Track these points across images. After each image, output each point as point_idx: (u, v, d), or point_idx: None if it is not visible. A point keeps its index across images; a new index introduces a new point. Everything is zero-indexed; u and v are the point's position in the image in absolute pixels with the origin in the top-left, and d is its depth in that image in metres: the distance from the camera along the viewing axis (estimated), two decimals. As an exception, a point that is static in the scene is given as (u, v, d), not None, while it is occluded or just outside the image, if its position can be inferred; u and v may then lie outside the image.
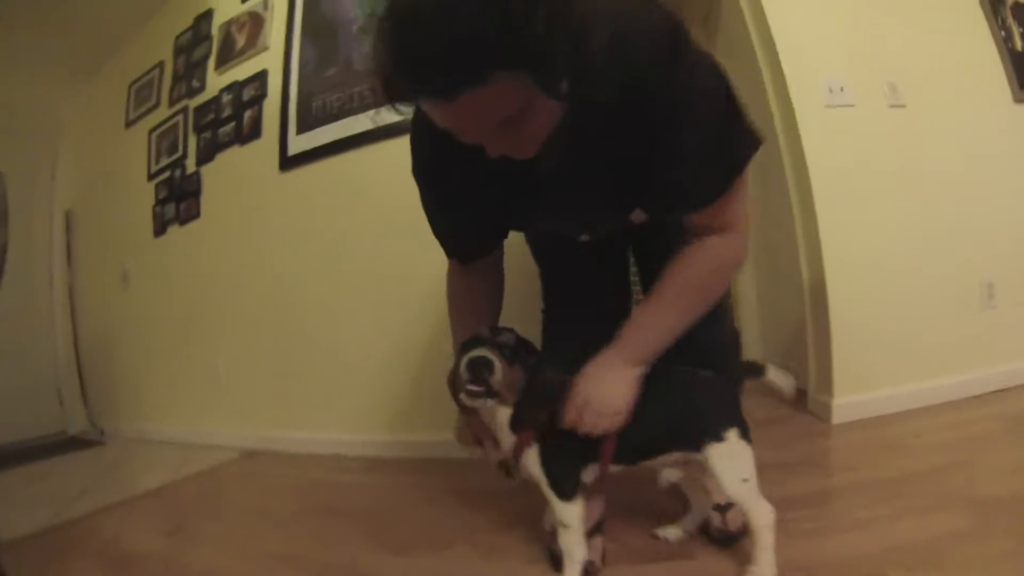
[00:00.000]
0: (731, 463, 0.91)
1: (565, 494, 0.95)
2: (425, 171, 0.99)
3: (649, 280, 1.23)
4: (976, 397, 1.80)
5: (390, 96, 0.69)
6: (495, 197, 0.95)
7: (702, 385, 0.98)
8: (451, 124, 0.70)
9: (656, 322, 0.94)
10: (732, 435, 0.91)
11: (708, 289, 0.94)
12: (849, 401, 1.78)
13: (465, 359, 0.91)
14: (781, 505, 0.99)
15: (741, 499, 0.91)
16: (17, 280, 3.32)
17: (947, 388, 1.82)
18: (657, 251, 1.16)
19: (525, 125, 0.71)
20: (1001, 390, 1.83)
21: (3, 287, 3.22)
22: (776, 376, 1.00)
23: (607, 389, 0.91)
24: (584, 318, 1.22)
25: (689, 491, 1.11)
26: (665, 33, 0.77)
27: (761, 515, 0.90)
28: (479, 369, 0.89)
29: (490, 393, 0.90)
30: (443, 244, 1.10)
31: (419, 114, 0.86)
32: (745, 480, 0.91)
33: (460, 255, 1.11)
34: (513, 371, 0.92)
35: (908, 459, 1.39)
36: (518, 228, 1.17)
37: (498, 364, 0.89)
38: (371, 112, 2.14)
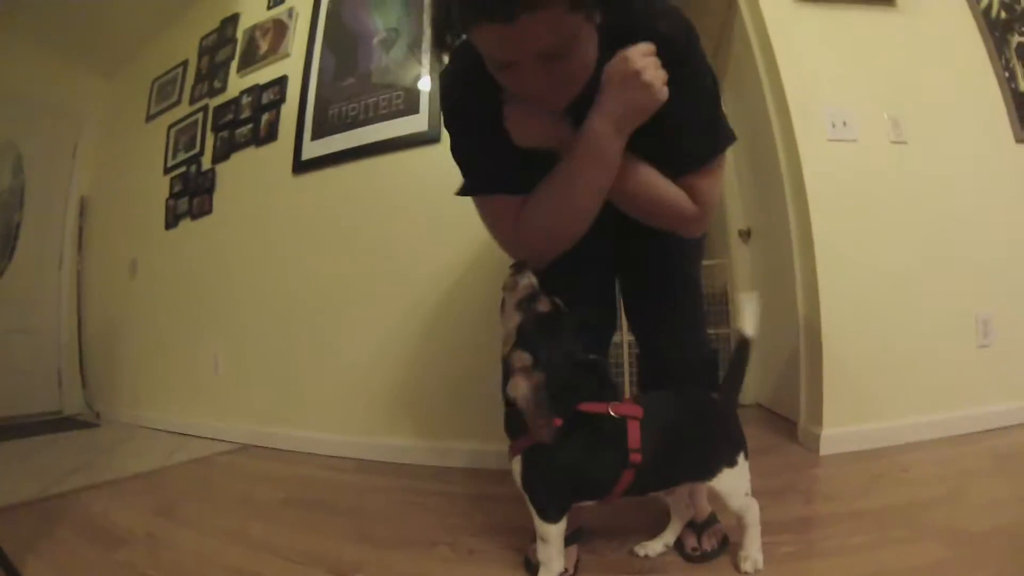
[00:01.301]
0: (738, 483, 0.99)
1: (550, 517, 0.94)
2: (455, 112, 1.01)
3: (632, 291, 1.25)
4: (966, 435, 1.80)
5: (449, 24, 0.77)
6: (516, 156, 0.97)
7: (717, 414, 1.02)
8: (505, 50, 0.75)
9: (635, 160, 0.95)
10: (740, 458, 0.99)
11: (658, 208, 0.99)
12: (838, 432, 1.79)
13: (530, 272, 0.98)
14: (762, 529, 1.01)
15: (743, 510, 0.99)
16: (28, 260, 3.43)
17: (938, 424, 1.82)
18: (646, 286, 1.20)
19: (570, 62, 0.78)
20: (993, 429, 1.83)
21: (13, 266, 3.34)
22: (751, 321, 1.04)
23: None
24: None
25: (672, 504, 1.12)
26: (691, 27, 0.90)
27: (754, 513, 1.00)
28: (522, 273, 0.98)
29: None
30: (478, 182, 1.03)
31: (451, 65, 0.97)
32: (747, 493, 1.00)
33: (492, 187, 1.02)
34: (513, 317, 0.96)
35: (892, 491, 1.39)
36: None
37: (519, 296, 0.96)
38: (384, 122, 2.21)
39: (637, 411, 0.95)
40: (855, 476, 1.55)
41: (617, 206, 1.01)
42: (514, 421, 0.95)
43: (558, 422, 0.89)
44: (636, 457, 0.91)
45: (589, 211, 0.95)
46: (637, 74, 0.82)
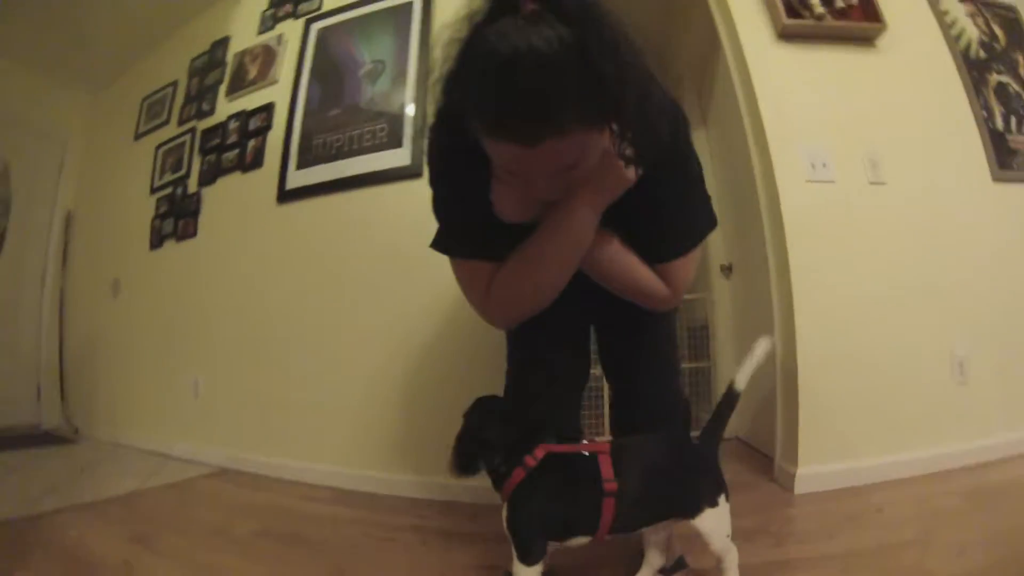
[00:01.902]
0: (720, 524, 1.00)
1: (527, 559, 0.97)
2: (441, 173, 1.01)
3: (605, 337, 1.27)
4: (941, 472, 1.81)
5: (466, 127, 0.74)
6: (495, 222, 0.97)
7: (696, 454, 1.04)
8: (522, 165, 0.75)
9: (611, 242, 0.99)
10: (722, 499, 1.01)
11: (630, 287, 1.03)
12: (813, 471, 1.79)
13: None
14: None
15: (724, 552, 1.01)
16: (10, 271, 3.38)
17: (914, 462, 1.82)
18: (620, 331, 1.22)
19: (579, 170, 0.79)
20: (968, 467, 1.84)
21: (-3, 275, 3.30)
22: (745, 374, 1.06)
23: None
24: (547, 381, 1.22)
25: (647, 547, 1.13)
26: (683, 120, 0.93)
27: (733, 557, 1.02)
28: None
29: None
30: (456, 246, 1.04)
31: (437, 132, 0.93)
32: (728, 535, 1.01)
33: (470, 252, 1.03)
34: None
35: (864, 533, 1.40)
36: None
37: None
38: (368, 155, 2.23)
39: (605, 447, 1.00)
40: (828, 516, 1.55)
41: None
42: (497, 478, 1.01)
43: (532, 462, 0.97)
44: (611, 486, 0.95)
45: (558, 283, 0.98)
46: (605, 154, 0.83)
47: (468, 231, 1.00)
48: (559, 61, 0.63)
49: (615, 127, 0.77)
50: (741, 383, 1.05)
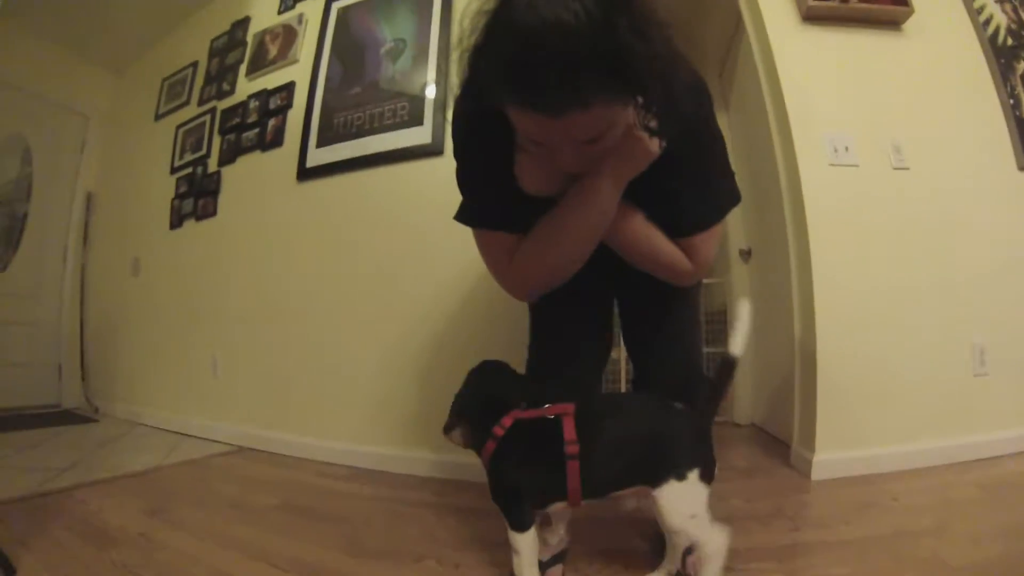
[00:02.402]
0: (681, 501, 0.90)
1: (516, 525, 0.98)
2: (465, 145, 1.01)
3: (629, 314, 1.27)
4: (959, 463, 1.79)
5: (492, 97, 0.75)
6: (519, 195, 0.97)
7: (674, 420, 0.95)
8: (544, 135, 0.76)
9: (635, 216, 0.99)
10: (693, 475, 0.90)
11: (653, 261, 1.03)
12: (830, 458, 1.78)
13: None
14: (745, 556, 1.03)
15: (686, 532, 0.91)
16: (32, 252, 3.45)
17: (931, 452, 1.80)
18: (643, 311, 1.22)
19: (603, 143, 0.79)
20: (984, 459, 1.81)
21: (18, 258, 3.36)
22: (740, 339, 0.94)
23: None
24: (568, 358, 1.22)
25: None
26: (707, 96, 0.93)
27: (711, 543, 0.91)
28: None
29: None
30: (479, 216, 1.04)
31: (464, 96, 0.93)
32: (693, 516, 0.90)
33: (493, 223, 1.03)
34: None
35: (880, 520, 1.39)
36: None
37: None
38: (389, 133, 2.23)
39: (569, 408, 0.97)
40: (844, 503, 1.54)
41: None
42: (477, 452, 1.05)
43: (499, 431, 0.98)
44: (573, 449, 0.92)
45: (580, 254, 0.98)
46: (629, 127, 0.82)
47: (491, 202, 1.01)
48: (585, 34, 0.63)
49: (639, 100, 0.76)
50: (737, 347, 0.94)
